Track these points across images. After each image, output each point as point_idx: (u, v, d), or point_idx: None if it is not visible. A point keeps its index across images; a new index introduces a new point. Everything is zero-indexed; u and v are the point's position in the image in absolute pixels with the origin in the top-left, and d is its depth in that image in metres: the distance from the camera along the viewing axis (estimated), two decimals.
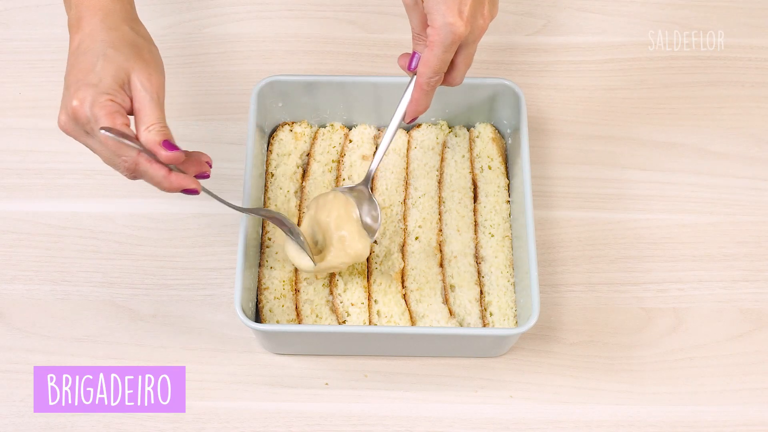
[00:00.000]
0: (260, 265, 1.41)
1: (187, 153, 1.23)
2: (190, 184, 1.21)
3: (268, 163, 1.48)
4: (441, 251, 1.42)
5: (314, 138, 1.50)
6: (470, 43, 1.25)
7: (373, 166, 1.36)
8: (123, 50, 1.20)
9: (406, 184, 1.47)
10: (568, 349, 1.41)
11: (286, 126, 1.50)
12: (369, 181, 1.38)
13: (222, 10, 1.68)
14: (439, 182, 1.47)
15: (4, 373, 1.39)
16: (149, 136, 1.17)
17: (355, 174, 1.47)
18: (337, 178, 1.47)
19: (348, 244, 1.33)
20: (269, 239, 1.42)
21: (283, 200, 1.45)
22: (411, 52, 1.29)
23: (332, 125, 1.51)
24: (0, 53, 1.63)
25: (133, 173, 1.18)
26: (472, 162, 1.48)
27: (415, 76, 1.28)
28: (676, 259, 1.47)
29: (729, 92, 1.61)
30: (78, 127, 1.18)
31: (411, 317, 1.38)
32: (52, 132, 1.56)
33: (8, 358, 1.40)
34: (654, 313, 1.43)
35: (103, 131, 1.14)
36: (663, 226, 1.50)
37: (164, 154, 1.17)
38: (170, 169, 1.19)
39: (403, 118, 1.31)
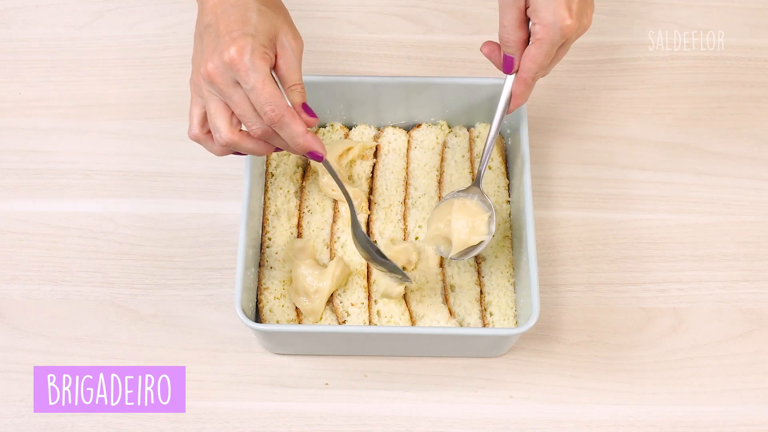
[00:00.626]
0: (260, 265, 1.41)
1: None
2: (321, 147, 1.24)
3: (267, 163, 1.48)
4: None
5: None
6: (570, 41, 1.27)
7: (483, 167, 1.37)
8: (274, 9, 1.23)
9: (406, 184, 1.47)
10: (568, 349, 1.41)
11: None
12: (480, 181, 1.38)
13: None
14: (439, 182, 1.47)
15: (4, 373, 1.39)
16: (293, 96, 1.21)
17: (355, 174, 1.47)
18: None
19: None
20: (269, 239, 1.42)
21: (283, 200, 1.45)
22: (495, 44, 1.30)
23: (332, 125, 1.51)
24: (0, 53, 1.63)
25: (274, 124, 1.19)
26: (471, 162, 1.48)
27: (516, 73, 1.29)
28: (676, 259, 1.47)
29: (729, 92, 1.61)
30: (228, 75, 1.19)
31: (411, 317, 1.38)
32: (52, 132, 1.56)
33: (8, 358, 1.40)
34: (654, 313, 1.43)
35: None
36: (663, 226, 1.50)
37: (305, 116, 1.21)
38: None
39: (506, 111, 1.33)
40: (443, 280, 1.40)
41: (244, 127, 1.22)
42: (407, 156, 1.49)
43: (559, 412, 1.37)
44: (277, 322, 1.37)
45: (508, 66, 1.29)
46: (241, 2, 1.21)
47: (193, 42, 1.25)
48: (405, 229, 1.43)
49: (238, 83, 1.18)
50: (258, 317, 1.38)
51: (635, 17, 1.67)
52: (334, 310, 1.38)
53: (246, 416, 1.36)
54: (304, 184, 1.47)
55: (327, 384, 1.38)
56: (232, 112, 1.21)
